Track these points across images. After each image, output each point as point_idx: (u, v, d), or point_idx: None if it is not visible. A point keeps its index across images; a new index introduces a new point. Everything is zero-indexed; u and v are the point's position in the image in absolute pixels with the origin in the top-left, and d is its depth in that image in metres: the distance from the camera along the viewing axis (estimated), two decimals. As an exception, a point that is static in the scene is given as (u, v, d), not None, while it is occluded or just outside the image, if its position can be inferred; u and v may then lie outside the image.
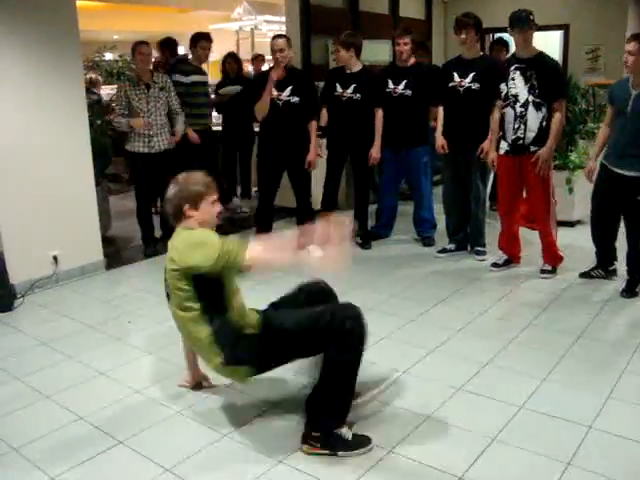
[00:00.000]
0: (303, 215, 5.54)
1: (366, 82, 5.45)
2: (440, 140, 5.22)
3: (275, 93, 5.15)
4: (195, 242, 2.70)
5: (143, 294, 4.76)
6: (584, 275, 4.78)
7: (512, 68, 4.64)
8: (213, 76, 9.76)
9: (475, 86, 4.98)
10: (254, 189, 7.35)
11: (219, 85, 7.10)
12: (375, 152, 5.51)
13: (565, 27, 8.92)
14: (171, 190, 2.85)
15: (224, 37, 10.76)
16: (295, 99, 5.20)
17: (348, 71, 5.48)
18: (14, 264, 4.60)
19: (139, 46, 5.39)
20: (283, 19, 7.69)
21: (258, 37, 10.06)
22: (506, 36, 6.09)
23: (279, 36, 5.31)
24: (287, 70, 5.19)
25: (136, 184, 5.76)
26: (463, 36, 4.95)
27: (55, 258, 4.90)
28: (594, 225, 4.67)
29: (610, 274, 4.75)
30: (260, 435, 2.88)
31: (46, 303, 4.59)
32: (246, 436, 2.87)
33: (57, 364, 3.64)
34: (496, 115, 4.82)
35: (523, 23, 4.46)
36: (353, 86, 5.42)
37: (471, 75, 4.99)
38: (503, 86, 4.68)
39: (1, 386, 3.40)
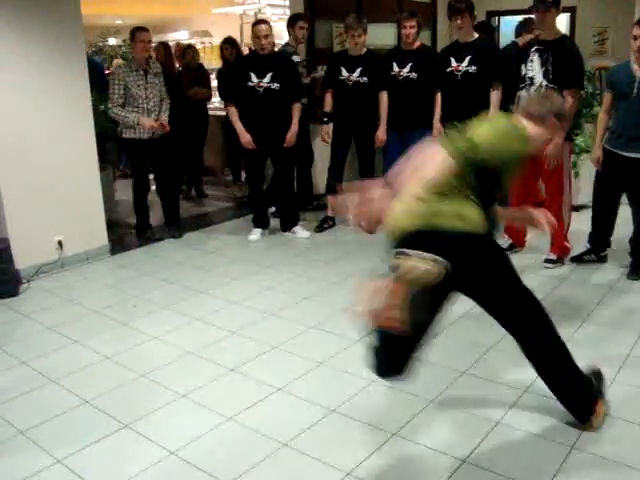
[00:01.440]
0: (284, 200, 5.68)
1: (372, 65, 5.44)
2: (437, 127, 5.20)
3: (255, 81, 5.19)
4: None
5: (148, 279, 4.77)
6: (576, 259, 4.75)
7: (532, 49, 4.54)
8: (213, 62, 9.76)
9: (472, 69, 4.95)
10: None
11: (220, 72, 7.05)
12: (382, 134, 5.51)
13: (572, 9, 8.82)
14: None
15: (228, 21, 10.69)
16: (275, 85, 5.23)
17: (353, 54, 5.46)
18: (19, 249, 4.61)
19: (139, 33, 5.34)
20: (287, 3, 7.63)
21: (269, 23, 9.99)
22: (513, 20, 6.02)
23: (262, 21, 5.40)
24: (268, 56, 5.25)
25: (135, 171, 5.70)
26: (459, 21, 4.91)
27: (60, 243, 4.91)
28: (595, 208, 4.65)
29: (602, 259, 4.73)
30: (264, 419, 2.89)
31: (52, 288, 4.60)
32: (251, 420, 2.88)
33: (63, 348, 3.66)
34: (494, 98, 4.86)
35: (542, 3, 4.37)
36: (359, 69, 5.40)
37: (467, 59, 4.96)
38: (522, 67, 4.58)
39: (8, 370, 3.42)
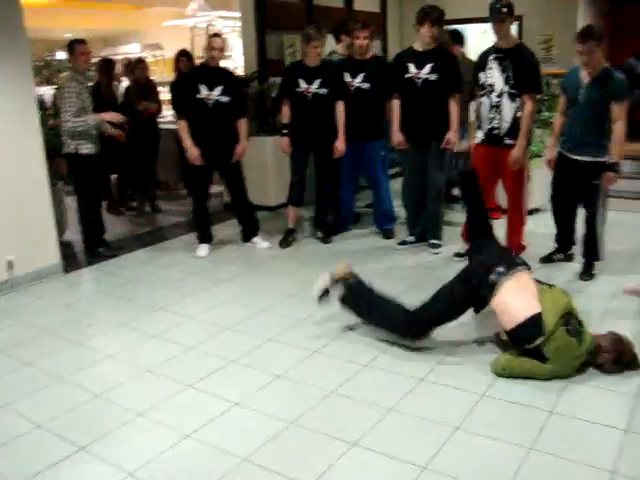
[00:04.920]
0: (243, 211, 5.66)
1: (331, 75, 5.39)
2: (397, 137, 5.19)
3: (205, 93, 5.16)
4: None
5: (102, 297, 4.69)
6: (545, 260, 4.86)
7: (491, 57, 4.66)
8: (165, 75, 9.69)
9: (433, 77, 4.99)
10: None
11: (174, 84, 6.99)
12: (340, 145, 5.45)
13: (519, 18, 9.02)
14: None
15: (179, 34, 10.62)
16: (225, 99, 5.20)
17: (311, 66, 5.38)
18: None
19: (79, 45, 5.25)
20: (238, 15, 7.61)
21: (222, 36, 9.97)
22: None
23: (218, 35, 5.43)
24: (218, 70, 5.26)
25: (87, 188, 5.49)
26: (428, 31, 4.93)
27: (10, 263, 4.78)
28: (554, 211, 4.76)
29: (569, 258, 4.85)
30: (223, 435, 2.86)
31: (2, 309, 4.47)
32: (210, 436, 2.84)
33: (15, 371, 3.55)
34: (454, 106, 4.90)
35: (497, 13, 4.48)
36: (318, 81, 5.33)
37: (428, 66, 4.99)
38: (481, 75, 4.70)
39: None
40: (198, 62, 7.73)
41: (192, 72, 5.70)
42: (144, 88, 7.01)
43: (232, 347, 3.72)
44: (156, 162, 7.22)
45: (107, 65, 7.06)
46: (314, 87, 5.34)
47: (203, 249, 5.54)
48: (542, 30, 8.79)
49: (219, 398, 3.16)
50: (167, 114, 7.76)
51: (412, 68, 5.05)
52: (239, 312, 4.23)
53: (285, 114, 5.53)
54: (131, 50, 12.36)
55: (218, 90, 5.18)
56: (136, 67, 7.07)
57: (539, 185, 5.89)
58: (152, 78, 7.56)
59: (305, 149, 5.59)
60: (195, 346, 3.75)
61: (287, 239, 5.71)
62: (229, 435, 2.86)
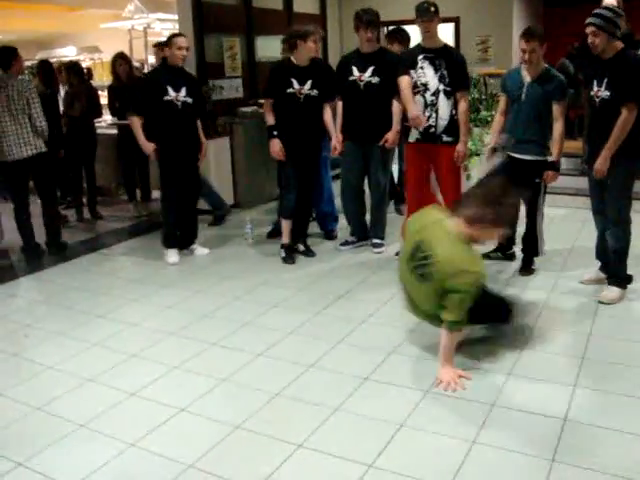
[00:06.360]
0: (188, 217, 5.48)
1: (320, 76, 5.10)
2: (338, 137, 5.11)
3: (173, 94, 5.06)
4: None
5: (40, 306, 4.57)
6: (483, 256, 4.92)
7: (420, 57, 4.74)
8: (105, 79, 9.51)
9: (375, 80, 5.02)
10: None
11: (112, 88, 6.85)
12: (337, 142, 5.14)
13: (456, 20, 9.20)
14: None
15: (116, 36, 10.46)
16: (190, 100, 5.13)
17: (302, 65, 5.03)
18: None
19: (17, 53, 5.31)
20: (176, 17, 7.53)
21: (152, 36, 9.80)
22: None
23: (181, 34, 5.30)
24: (181, 70, 5.16)
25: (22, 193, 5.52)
26: (369, 34, 4.98)
27: (-58, 274, 4.62)
28: None
29: (509, 257, 4.94)
30: (168, 442, 2.82)
31: None
32: (154, 444, 2.80)
33: (-52, 387, 3.43)
34: (396, 107, 4.93)
35: (426, 13, 4.59)
36: (310, 82, 5.03)
37: (370, 69, 5.02)
38: (412, 73, 4.76)
39: None
40: (138, 64, 7.65)
41: (157, 73, 5.47)
42: (77, 90, 6.79)
43: (176, 353, 3.67)
44: (94, 167, 7.04)
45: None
46: (306, 88, 5.05)
47: (173, 255, 5.33)
48: (479, 31, 8.98)
49: (163, 405, 3.11)
50: (107, 118, 7.60)
51: (355, 71, 5.08)
52: (182, 317, 4.17)
53: (270, 116, 5.11)
54: (67, 53, 12.08)
55: (183, 91, 5.09)
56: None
57: (478, 183, 6.00)
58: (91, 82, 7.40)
59: (296, 154, 5.15)
60: (138, 353, 3.69)
61: (291, 254, 5.25)
62: (174, 442, 2.82)
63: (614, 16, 3.77)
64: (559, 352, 3.50)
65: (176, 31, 6.71)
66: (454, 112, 4.74)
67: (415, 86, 4.78)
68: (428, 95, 4.75)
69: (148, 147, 5.14)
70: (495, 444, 2.68)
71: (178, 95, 5.08)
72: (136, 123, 5.13)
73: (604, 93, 3.87)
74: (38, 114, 5.33)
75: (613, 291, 4.13)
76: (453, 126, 4.75)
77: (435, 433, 2.78)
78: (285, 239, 5.29)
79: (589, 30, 3.80)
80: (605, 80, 3.86)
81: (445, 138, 4.78)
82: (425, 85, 4.75)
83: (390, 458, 2.63)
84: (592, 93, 3.97)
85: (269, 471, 2.57)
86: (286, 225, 5.28)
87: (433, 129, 4.78)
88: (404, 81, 4.82)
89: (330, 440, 2.77)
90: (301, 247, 5.42)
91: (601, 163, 3.90)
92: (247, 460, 2.68)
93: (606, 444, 2.66)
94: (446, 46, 4.83)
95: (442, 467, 2.56)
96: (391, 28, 6.52)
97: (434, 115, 4.75)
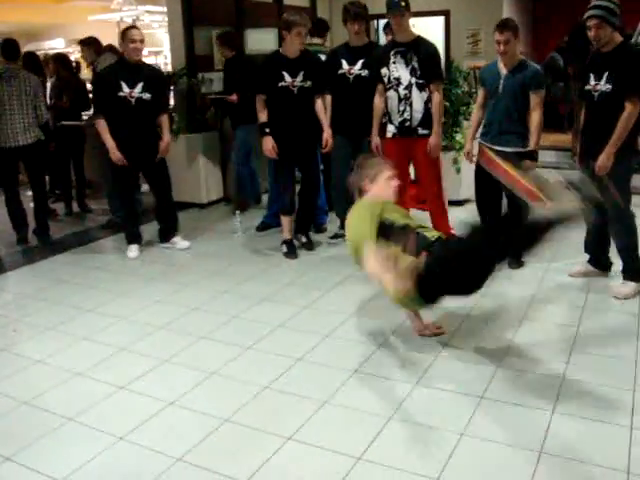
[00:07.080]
0: (165, 211, 5.49)
1: (312, 67, 5.02)
2: (327, 135, 5.03)
3: (127, 90, 5.00)
4: None
5: (29, 300, 4.52)
6: None
7: (392, 52, 4.77)
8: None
9: (365, 73, 5.02)
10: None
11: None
12: (328, 136, 5.07)
13: (446, 13, 9.18)
14: None
15: (105, 29, 10.37)
16: (147, 96, 5.07)
17: (292, 57, 4.95)
18: None
19: None
20: (165, 9, 7.48)
21: (141, 28, 9.76)
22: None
23: (134, 26, 5.34)
24: (138, 66, 5.12)
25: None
26: (356, 27, 4.98)
27: None
28: (479, 204, 4.85)
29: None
30: (157, 435, 2.82)
31: None
32: (143, 438, 2.79)
33: None
34: (377, 100, 4.90)
35: (396, 8, 4.62)
36: (302, 73, 4.94)
37: (360, 62, 5.03)
38: (385, 70, 4.78)
39: None
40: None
41: (111, 69, 5.30)
42: (65, 84, 6.78)
43: (164, 346, 3.66)
44: (84, 160, 7.01)
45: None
46: (299, 80, 4.94)
47: (133, 250, 5.38)
48: (469, 25, 8.97)
49: (152, 398, 3.10)
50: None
51: (345, 64, 5.08)
52: (171, 311, 4.16)
53: (262, 112, 4.99)
54: (55, 45, 12.01)
55: (139, 87, 5.02)
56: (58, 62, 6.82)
57: (469, 176, 6.00)
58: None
59: (290, 151, 5.07)
60: (127, 347, 3.68)
61: (293, 249, 5.20)
62: (163, 435, 2.81)
63: (614, 6, 3.72)
64: (547, 344, 3.51)
65: (163, 23, 6.70)
66: (429, 104, 4.75)
67: (388, 81, 4.80)
68: (401, 89, 4.76)
69: (116, 154, 5.02)
70: (484, 436, 2.69)
71: (132, 91, 5.00)
72: (102, 126, 5.04)
73: (604, 87, 3.84)
74: (43, 107, 5.68)
75: (629, 286, 4.08)
76: (428, 119, 4.76)
77: (424, 425, 2.79)
78: (286, 235, 5.25)
79: (592, 23, 3.74)
80: (606, 74, 3.82)
81: (421, 131, 4.79)
82: (398, 79, 4.76)
83: (379, 450, 2.63)
84: (589, 87, 3.94)
85: (258, 464, 2.57)
86: (286, 221, 5.24)
87: (408, 123, 4.79)
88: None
89: (319, 433, 2.77)
90: (303, 239, 5.39)
91: (605, 159, 3.85)
92: (236, 453, 2.67)
93: (592, 434, 2.68)
94: (417, 39, 4.78)
95: (431, 459, 2.57)
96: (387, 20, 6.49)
97: (408, 109, 4.77)
